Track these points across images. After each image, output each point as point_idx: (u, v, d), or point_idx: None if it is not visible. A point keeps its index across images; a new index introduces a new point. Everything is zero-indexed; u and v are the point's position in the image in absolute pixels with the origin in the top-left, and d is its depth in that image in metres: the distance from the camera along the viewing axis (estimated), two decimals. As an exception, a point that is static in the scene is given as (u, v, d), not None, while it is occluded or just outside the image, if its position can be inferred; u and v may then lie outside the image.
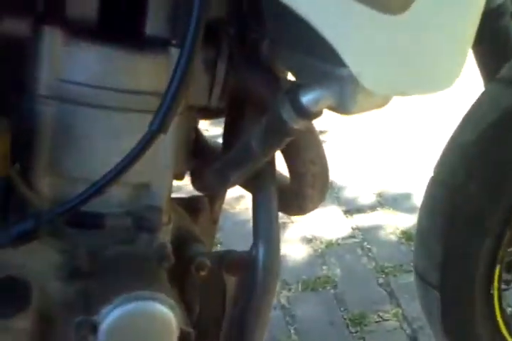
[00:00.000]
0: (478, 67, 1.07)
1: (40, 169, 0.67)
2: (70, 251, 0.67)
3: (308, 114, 0.62)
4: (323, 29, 0.55)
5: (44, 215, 0.60)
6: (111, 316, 0.63)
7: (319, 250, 1.85)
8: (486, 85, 1.07)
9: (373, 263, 1.78)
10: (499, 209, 1.03)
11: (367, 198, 2.09)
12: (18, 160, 0.66)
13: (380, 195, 2.10)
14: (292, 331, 1.55)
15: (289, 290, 1.67)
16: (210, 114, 0.81)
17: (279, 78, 0.73)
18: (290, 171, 0.79)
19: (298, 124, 0.63)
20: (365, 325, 1.55)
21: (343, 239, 1.90)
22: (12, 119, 0.63)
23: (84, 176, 0.67)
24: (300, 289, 1.69)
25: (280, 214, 0.78)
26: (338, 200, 2.08)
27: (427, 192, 1.08)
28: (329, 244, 1.87)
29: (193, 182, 0.83)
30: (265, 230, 0.75)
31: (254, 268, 0.75)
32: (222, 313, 0.78)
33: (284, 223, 1.87)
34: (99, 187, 0.60)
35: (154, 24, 0.68)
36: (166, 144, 0.69)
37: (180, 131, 0.71)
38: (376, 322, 1.57)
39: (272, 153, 0.69)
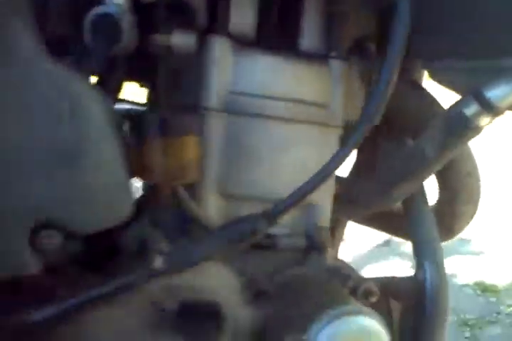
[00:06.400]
0: None
1: (207, 185, 0.64)
2: (249, 274, 0.63)
3: (495, 110, 0.60)
4: None
5: (259, 216, 0.57)
6: (324, 333, 0.57)
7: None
8: None
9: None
10: None
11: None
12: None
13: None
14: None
15: None
16: None
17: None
18: (442, 188, 0.76)
19: (483, 121, 0.61)
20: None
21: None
22: None
23: (252, 193, 0.65)
24: None
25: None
26: (401, 255, 2.03)
27: None
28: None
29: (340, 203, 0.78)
30: (429, 252, 0.70)
31: (423, 293, 0.69)
32: None
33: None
34: (313, 185, 0.57)
35: (309, 37, 0.68)
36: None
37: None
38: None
39: (448, 157, 0.66)
